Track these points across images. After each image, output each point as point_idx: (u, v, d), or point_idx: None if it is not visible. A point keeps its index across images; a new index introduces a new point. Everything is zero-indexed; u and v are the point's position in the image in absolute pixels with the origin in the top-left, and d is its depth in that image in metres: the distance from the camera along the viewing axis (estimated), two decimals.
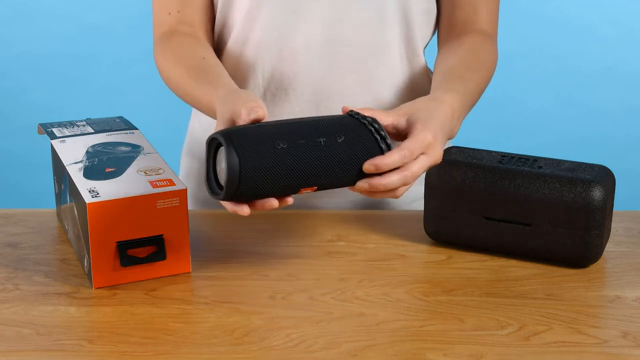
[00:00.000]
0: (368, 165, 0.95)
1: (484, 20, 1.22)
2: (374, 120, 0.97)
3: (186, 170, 1.36)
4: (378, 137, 0.97)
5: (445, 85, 1.09)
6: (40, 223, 1.19)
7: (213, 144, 0.95)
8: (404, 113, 1.00)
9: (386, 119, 0.99)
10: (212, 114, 1.07)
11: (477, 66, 1.16)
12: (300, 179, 0.94)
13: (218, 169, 0.95)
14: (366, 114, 0.99)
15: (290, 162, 0.93)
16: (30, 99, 3.02)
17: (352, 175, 0.96)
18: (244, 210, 0.93)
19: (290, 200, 0.96)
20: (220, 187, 0.95)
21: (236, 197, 0.93)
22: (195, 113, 1.34)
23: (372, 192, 0.96)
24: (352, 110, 0.99)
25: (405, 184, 0.96)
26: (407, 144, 0.96)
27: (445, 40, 1.24)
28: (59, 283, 1.02)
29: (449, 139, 1.04)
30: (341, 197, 1.27)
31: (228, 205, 0.94)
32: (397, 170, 0.95)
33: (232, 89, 1.04)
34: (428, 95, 1.07)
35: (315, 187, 0.96)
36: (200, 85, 1.10)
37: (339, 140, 0.96)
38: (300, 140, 0.94)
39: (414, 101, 1.04)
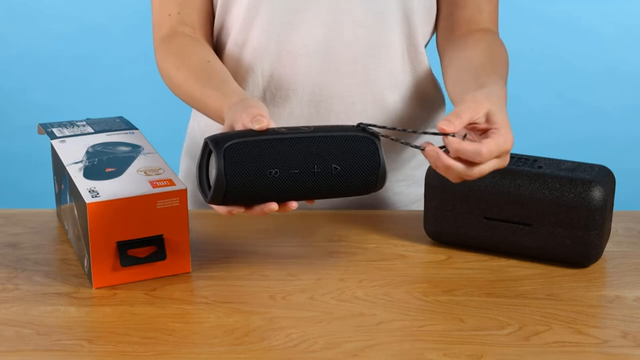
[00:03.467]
0: (443, 127, 0.90)
1: (487, 19, 1.22)
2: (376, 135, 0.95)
3: (186, 171, 1.36)
4: (380, 161, 0.95)
5: (491, 79, 1.05)
6: (40, 223, 1.19)
7: (207, 148, 0.94)
8: (484, 107, 0.94)
9: (464, 116, 0.92)
10: (220, 120, 1.07)
11: (501, 61, 1.15)
12: (291, 194, 0.94)
13: (210, 171, 0.94)
14: (457, 123, 0.92)
15: (280, 189, 0.93)
16: (30, 99, 3.02)
17: (347, 187, 0.95)
18: (237, 210, 0.93)
19: (294, 204, 0.95)
20: (210, 188, 0.94)
21: (224, 201, 0.92)
22: (194, 114, 1.34)
23: (435, 159, 0.92)
24: (361, 123, 0.96)
25: (462, 178, 0.93)
26: (498, 145, 0.92)
27: (447, 39, 1.23)
28: (59, 283, 1.02)
29: None
30: (341, 198, 1.26)
31: (220, 210, 0.94)
32: (466, 161, 0.91)
33: (242, 98, 1.02)
34: (490, 88, 1.00)
35: (309, 201, 0.96)
36: (208, 91, 1.09)
37: (335, 170, 0.94)
38: (294, 169, 0.93)
39: (487, 92, 0.98)
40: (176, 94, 1.18)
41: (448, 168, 0.92)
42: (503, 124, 0.94)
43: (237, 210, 0.94)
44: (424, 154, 0.93)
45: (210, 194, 0.92)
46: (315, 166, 0.94)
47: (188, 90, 1.14)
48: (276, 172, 0.92)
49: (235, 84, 1.09)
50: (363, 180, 0.95)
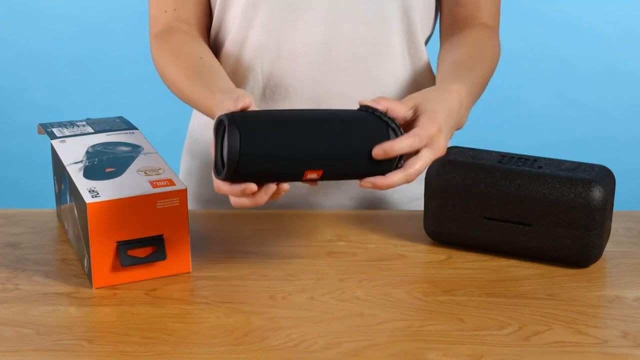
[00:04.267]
0: (377, 150, 0.95)
1: (486, 15, 1.23)
2: (386, 114, 0.97)
3: (186, 170, 1.36)
4: (389, 127, 0.97)
5: (453, 76, 1.10)
6: (40, 223, 1.19)
7: (220, 127, 0.94)
8: (413, 105, 0.99)
9: (398, 111, 0.98)
10: (211, 116, 1.08)
11: (482, 57, 1.17)
12: (303, 158, 0.93)
13: (224, 151, 0.93)
14: (381, 104, 0.98)
15: (293, 137, 0.93)
16: (30, 99, 3.02)
17: (358, 158, 0.96)
18: (251, 187, 0.92)
19: (286, 186, 0.95)
20: (224, 166, 0.93)
21: (238, 173, 0.92)
22: (195, 113, 1.34)
23: (377, 187, 0.97)
24: (364, 105, 0.99)
25: (407, 182, 0.97)
26: (417, 130, 0.96)
27: (447, 34, 1.24)
28: (59, 283, 1.02)
29: (457, 129, 1.04)
30: (342, 195, 1.27)
31: (233, 192, 0.93)
32: (399, 170, 0.96)
33: (227, 91, 1.03)
34: (436, 86, 1.07)
35: (321, 171, 0.95)
36: (198, 87, 1.10)
37: (347, 123, 0.96)
38: (306, 120, 0.95)
39: (423, 91, 1.04)
40: (170, 89, 1.19)
41: (389, 185, 0.96)
42: (425, 115, 0.98)
43: (250, 189, 0.93)
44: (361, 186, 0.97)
45: (226, 155, 0.91)
46: (329, 121, 0.96)
47: (179, 86, 1.15)
48: (289, 123, 0.94)
49: (227, 81, 1.09)
50: (375, 131, 0.96)
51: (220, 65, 1.15)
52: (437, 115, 0.98)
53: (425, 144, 0.97)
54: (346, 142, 0.95)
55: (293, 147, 0.93)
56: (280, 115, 0.97)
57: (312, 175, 0.95)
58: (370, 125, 0.96)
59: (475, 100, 1.12)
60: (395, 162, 0.97)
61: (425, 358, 0.87)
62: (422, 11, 1.21)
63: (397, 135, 0.96)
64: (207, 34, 1.25)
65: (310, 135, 0.94)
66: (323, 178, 0.96)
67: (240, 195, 0.94)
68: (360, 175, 0.97)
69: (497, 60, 1.21)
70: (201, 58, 1.15)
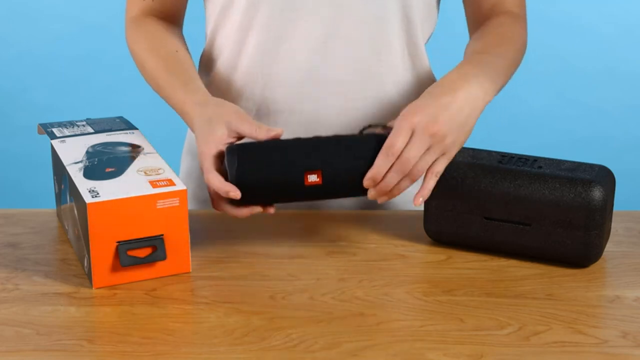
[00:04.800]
0: (367, 182, 1.01)
1: (511, 2, 1.23)
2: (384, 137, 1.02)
3: (187, 170, 1.36)
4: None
5: (471, 59, 1.11)
6: (40, 223, 1.19)
7: (225, 155, 1.03)
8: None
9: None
10: (181, 113, 1.13)
11: (501, 41, 1.17)
12: (301, 159, 1.01)
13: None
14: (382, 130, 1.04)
15: (290, 146, 1.02)
16: (30, 99, 3.02)
17: (358, 157, 1.01)
18: (235, 194, 1.01)
19: (271, 210, 1.04)
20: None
21: (241, 177, 1.01)
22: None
23: (381, 196, 1.02)
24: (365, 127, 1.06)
25: (403, 173, 1.00)
26: (386, 143, 1.00)
27: (473, 27, 1.25)
28: (59, 283, 1.02)
29: (473, 101, 1.04)
30: (352, 198, 1.26)
31: (221, 188, 1.01)
32: (392, 168, 1.00)
33: (212, 100, 1.10)
34: (434, 86, 1.07)
35: (320, 171, 1.00)
36: (174, 81, 1.15)
37: (343, 142, 1.03)
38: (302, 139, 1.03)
39: (420, 98, 1.05)
40: (144, 77, 1.22)
41: (388, 184, 1.01)
42: (395, 122, 1.01)
43: (234, 195, 1.01)
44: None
45: (227, 162, 1.01)
46: (325, 141, 1.03)
47: (154, 76, 1.19)
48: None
49: (200, 81, 1.15)
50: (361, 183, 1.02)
51: (193, 63, 1.19)
52: (408, 111, 1.01)
53: (402, 150, 0.99)
54: (342, 157, 1.02)
55: (290, 154, 1.01)
56: (279, 140, 1.04)
57: (312, 177, 0.99)
58: (364, 154, 1.01)
59: (496, 76, 1.09)
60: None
61: (425, 358, 0.87)
62: (422, 11, 1.21)
63: None
64: (182, 23, 1.29)
65: (307, 144, 1.02)
66: (324, 180, 1.00)
67: (225, 195, 1.01)
68: (359, 174, 1.02)
69: (524, 44, 1.21)
70: (177, 51, 1.19)
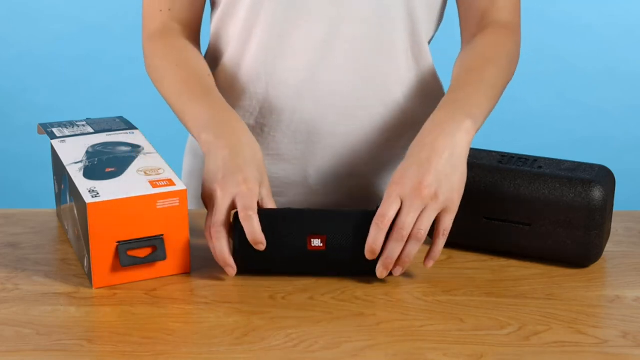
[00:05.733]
0: (367, 254, 1.00)
1: (502, 8, 1.20)
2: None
3: (189, 169, 1.36)
4: None
5: (447, 98, 1.10)
6: (40, 223, 1.19)
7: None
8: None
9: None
10: (194, 134, 1.10)
11: (483, 64, 1.15)
12: (306, 225, 1.01)
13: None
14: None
15: (295, 213, 1.03)
16: (30, 99, 3.02)
17: (363, 230, 1.00)
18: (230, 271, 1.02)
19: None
20: None
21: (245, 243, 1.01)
22: None
23: (390, 268, 1.00)
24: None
25: (404, 240, 0.99)
26: (377, 214, 0.99)
27: (466, 35, 1.24)
28: (59, 283, 1.02)
29: (460, 133, 1.03)
30: (343, 195, 1.26)
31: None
32: (391, 238, 0.99)
33: (233, 116, 1.09)
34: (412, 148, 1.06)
35: (324, 236, 1.00)
36: (196, 106, 1.11)
37: (347, 214, 1.04)
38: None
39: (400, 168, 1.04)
40: (161, 92, 1.18)
41: (391, 253, 0.99)
42: (396, 174, 1.01)
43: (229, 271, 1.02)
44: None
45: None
46: (329, 212, 1.04)
47: (175, 92, 1.14)
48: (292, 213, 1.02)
49: (220, 95, 1.13)
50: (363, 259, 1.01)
51: (213, 78, 1.16)
52: (393, 180, 1.01)
53: (397, 219, 0.99)
54: (349, 228, 1.01)
55: (296, 220, 1.02)
56: (285, 209, 1.04)
57: (317, 241, 1.00)
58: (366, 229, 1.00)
59: (483, 104, 1.10)
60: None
61: (425, 358, 0.87)
62: (426, 9, 1.20)
63: None
64: (199, 36, 1.26)
65: (313, 213, 1.03)
66: (328, 246, 1.00)
67: (222, 265, 1.02)
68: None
69: (513, 56, 1.19)
70: (209, 75, 1.16)
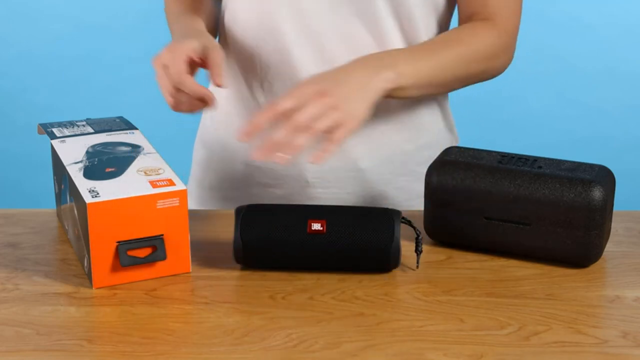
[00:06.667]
0: (241, 133, 1.00)
1: (491, 6, 1.19)
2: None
3: (198, 159, 1.38)
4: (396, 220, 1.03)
5: (389, 50, 1.14)
6: (40, 223, 1.19)
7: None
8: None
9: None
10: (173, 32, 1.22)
11: (446, 41, 1.16)
12: (306, 211, 1.02)
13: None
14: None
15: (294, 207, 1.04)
16: (30, 99, 3.02)
17: (365, 219, 1.02)
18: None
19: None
20: None
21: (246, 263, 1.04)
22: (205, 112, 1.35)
23: (269, 147, 0.99)
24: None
25: (292, 128, 0.99)
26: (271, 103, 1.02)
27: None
28: (59, 283, 1.02)
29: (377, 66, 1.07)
30: (340, 189, 1.26)
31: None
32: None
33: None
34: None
35: (324, 220, 1.01)
36: (180, 20, 1.23)
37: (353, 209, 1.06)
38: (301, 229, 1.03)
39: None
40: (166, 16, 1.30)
41: (275, 137, 0.99)
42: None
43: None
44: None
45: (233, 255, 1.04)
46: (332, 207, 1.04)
47: (169, 13, 1.28)
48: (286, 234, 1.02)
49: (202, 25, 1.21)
50: (374, 255, 1.02)
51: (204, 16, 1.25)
52: (295, 87, 1.03)
53: (281, 107, 1.00)
54: (350, 215, 1.03)
55: (295, 207, 1.04)
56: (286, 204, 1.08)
57: (317, 225, 1.01)
58: (376, 226, 1.02)
59: (431, 72, 1.12)
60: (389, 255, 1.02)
61: (425, 358, 0.87)
62: (423, 7, 1.19)
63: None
64: None
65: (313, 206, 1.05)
66: (328, 230, 1.01)
67: (201, 96, 1.07)
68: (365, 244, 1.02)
69: (493, 55, 1.18)
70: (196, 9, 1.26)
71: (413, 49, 1.15)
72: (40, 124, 1.18)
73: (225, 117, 1.29)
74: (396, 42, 1.19)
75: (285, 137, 0.99)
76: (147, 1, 3.08)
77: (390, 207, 1.27)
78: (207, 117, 1.36)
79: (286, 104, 1.00)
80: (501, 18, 1.20)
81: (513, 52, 1.22)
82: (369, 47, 1.18)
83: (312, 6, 1.17)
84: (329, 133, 1.00)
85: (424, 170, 1.28)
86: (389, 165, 1.26)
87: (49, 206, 1.26)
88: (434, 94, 1.20)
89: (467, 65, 1.17)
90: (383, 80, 1.07)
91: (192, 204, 1.35)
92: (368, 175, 1.26)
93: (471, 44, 1.17)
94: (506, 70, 1.23)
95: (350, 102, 1.03)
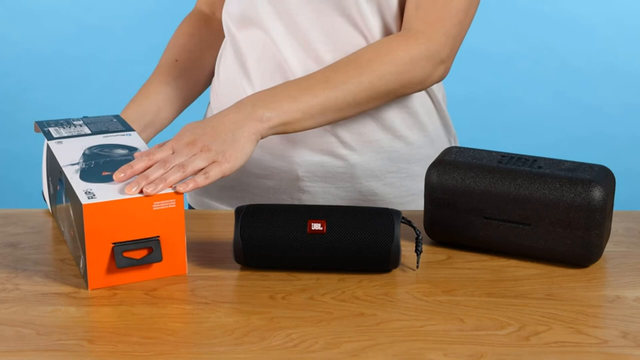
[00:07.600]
0: (116, 173, 1.02)
1: (421, 17, 1.16)
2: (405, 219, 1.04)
3: None
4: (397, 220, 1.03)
5: (270, 88, 1.15)
6: (40, 223, 1.19)
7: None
8: None
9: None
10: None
11: (346, 66, 1.14)
12: (306, 211, 1.03)
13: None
14: None
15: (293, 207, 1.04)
16: (30, 99, 3.02)
17: (366, 219, 1.02)
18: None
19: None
20: None
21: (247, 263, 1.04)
22: (210, 104, 1.37)
23: (141, 182, 1.01)
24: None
25: (164, 166, 1.02)
26: (147, 151, 1.07)
27: None
28: (59, 283, 1.02)
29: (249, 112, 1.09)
30: (329, 184, 1.26)
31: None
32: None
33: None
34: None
35: (325, 220, 1.02)
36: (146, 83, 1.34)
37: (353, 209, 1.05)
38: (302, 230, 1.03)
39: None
40: None
41: (147, 174, 1.02)
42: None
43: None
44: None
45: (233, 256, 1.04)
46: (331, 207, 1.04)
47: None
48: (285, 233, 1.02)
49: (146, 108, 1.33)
50: (374, 255, 1.02)
51: (165, 79, 1.34)
52: (169, 140, 1.08)
53: (154, 156, 1.04)
54: (351, 216, 1.03)
55: (295, 207, 1.04)
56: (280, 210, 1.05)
57: (317, 225, 1.01)
58: (376, 226, 1.02)
59: (323, 101, 1.12)
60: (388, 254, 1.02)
61: (425, 358, 0.87)
62: (369, 3, 1.18)
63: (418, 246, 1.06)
64: (219, 24, 1.36)
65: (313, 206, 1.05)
66: (328, 230, 1.01)
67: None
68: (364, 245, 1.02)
69: (405, 65, 1.14)
70: (176, 61, 1.35)
71: (307, 79, 1.14)
72: (37, 122, 1.18)
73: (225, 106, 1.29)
74: (377, 34, 1.19)
75: (157, 172, 1.02)
76: (147, 1, 3.08)
77: (379, 203, 1.28)
78: (210, 112, 1.37)
79: (162, 154, 1.05)
80: (424, 26, 1.16)
81: (445, 58, 1.17)
82: (352, 40, 1.19)
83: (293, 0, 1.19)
84: (204, 173, 1.04)
85: (416, 168, 1.29)
86: (378, 161, 1.26)
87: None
88: (346, 117, 1.16)
89: (371, 85, 1.14)
90: (257, 120, 1.09)
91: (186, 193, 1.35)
92: (358, 171, 1.26)
93: (376, 62, 1.14)
94: (506, 71, 1.23)
95: (222, 144, 1.06)
